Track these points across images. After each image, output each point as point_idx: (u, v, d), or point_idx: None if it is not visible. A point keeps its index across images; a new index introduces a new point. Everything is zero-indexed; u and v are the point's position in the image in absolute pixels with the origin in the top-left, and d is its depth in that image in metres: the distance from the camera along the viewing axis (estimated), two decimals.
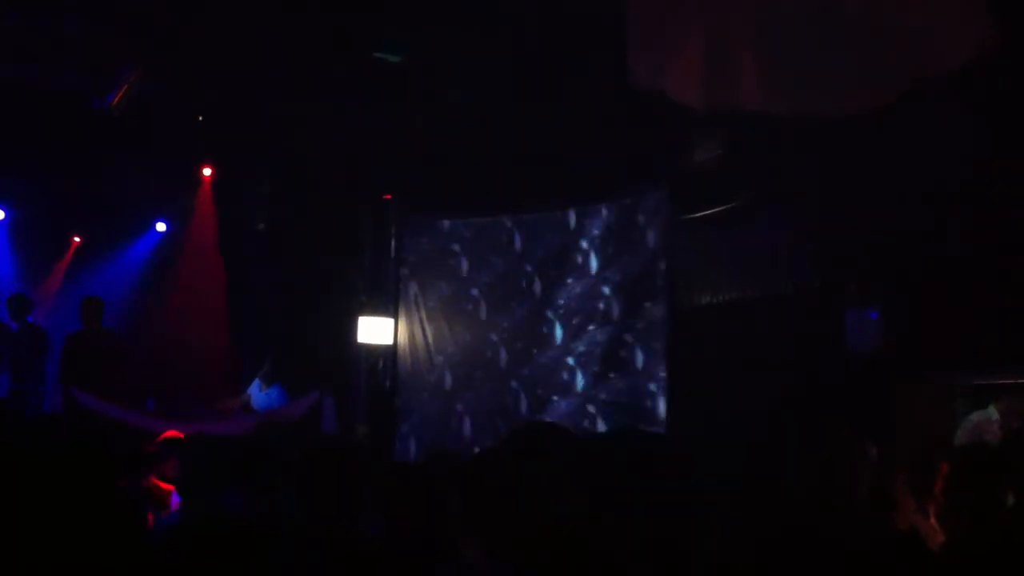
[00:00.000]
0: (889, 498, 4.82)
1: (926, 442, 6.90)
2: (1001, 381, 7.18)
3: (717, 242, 8.76)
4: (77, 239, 12.13)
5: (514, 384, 9.93)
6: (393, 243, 11.07)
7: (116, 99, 8.46)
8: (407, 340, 10.79)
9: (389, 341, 10.83)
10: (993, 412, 7.00)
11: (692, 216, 8.95)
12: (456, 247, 10.59)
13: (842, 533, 4.09)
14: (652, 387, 9.09)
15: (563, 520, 1.89)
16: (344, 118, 9.40)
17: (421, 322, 10.68)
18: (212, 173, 10.95)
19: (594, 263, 9.63)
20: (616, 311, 9.42)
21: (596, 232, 9.64)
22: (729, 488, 5.01)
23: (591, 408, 9.38)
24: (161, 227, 12.16)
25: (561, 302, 9.78)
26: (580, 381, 9.53)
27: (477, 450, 8.77)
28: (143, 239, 12.26)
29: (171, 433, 5.78)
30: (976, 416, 7.11)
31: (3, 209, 11.63)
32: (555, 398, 9.61)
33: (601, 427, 9.20)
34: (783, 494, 4.38)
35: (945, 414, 7.55)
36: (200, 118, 10.26)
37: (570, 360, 9.63)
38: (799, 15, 5.77)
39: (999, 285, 6.71)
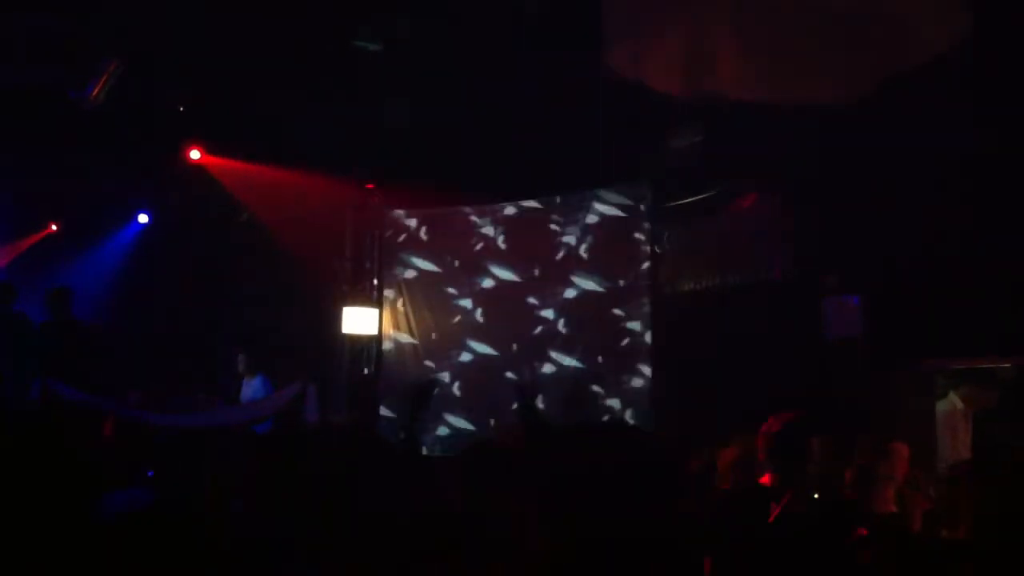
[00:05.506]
0: (869, 483, 4.86)
1: (904, 429, 6.92)
2: (962, 366, 6.99)
3: (698, 230, 8.80)
4: (54, 227, 11.99)
5: (501, 372, 9.95)
6: (376, 232, 11.07)
7: (95, 91, 8.39)
8: (391, 329, 10.79)
9: (374, 331, 10.83)
10: (956, 401, 6.81)
11: (673, 204, 8.99)
12: (440, 237, 10.60)
13: (820, 517, 4.13)
14: (638, 372, 9.14)
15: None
16: (325, 107, 9.37)
17: (406, 311, 10.68)
18: (198, 161, 10.87)
19: (577, 252, 9.66)
20: (600, 299, 9.46)
21: (579, 222, 9.67)
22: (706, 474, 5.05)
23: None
24: (143, 219, 12.11)
25: (545, 292, 9.80)
26: (567, 368, 9.57)
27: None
28: (124, 230, 12.18)
29: None
30: (941, 407, 6.91)
31: None
32: (546, 385, 9.61)
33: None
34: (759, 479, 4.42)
35: (923, 400, 7.56)
36: (181, 108, 10.21)
37: (556, 347, 9.67)
38: (778, 4, 5.79)
39: (973, 273, 6.74)
